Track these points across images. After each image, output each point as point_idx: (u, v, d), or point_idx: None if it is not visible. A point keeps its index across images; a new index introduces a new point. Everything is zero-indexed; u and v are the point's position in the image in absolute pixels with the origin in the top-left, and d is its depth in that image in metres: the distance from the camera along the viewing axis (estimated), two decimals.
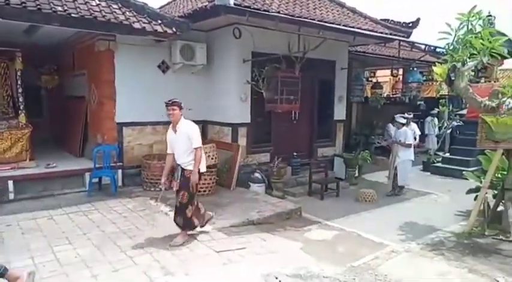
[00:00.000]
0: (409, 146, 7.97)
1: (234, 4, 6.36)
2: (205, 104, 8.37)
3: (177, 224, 4.84)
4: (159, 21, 6.85)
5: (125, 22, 6.45)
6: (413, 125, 9.50)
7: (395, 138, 8.13)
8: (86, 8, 6.26)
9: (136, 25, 6.54)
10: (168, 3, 10.13)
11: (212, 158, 7.07)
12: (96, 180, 6.95)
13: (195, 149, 4.67)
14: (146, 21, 6.75)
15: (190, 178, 4.67)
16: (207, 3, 6.80)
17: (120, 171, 7.28)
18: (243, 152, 7.85)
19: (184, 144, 4.70)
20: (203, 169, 4.90)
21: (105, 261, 4.16)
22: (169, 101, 4.69)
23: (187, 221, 4.78)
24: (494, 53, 5.21)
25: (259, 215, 5.95)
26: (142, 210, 6.03)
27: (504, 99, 5.50)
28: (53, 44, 8.69)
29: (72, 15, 5.93)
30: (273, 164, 7.82)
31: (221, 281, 3.89)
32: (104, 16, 6.28)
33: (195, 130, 4.79)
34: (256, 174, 7.67)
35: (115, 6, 6.72)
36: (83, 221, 5.49)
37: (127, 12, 6.72)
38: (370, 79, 14.90)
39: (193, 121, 8.11)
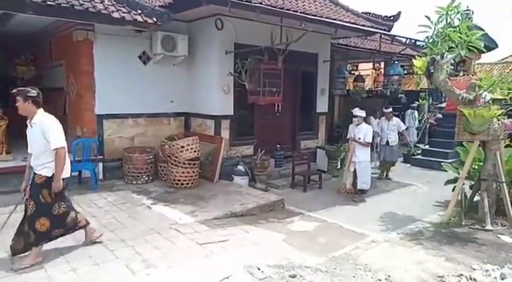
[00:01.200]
0: (367, 145, 7.14)
1: None
2: (188, 96, 8.27)
3: (26, 243, 3.86)
4: (139, 11, 6.71)
5: (103, 11, 6.28)
6: (396, 119, 9.09)
7: (354, 135, 7.25)
8: None
9: (116, 14, 6.38)
10: None
11: (195, 151, 7.01)
12: (75, 173, 6.79)
13: (55, 150, 3.69)
14: (126, 11, 6.59)
15: (41, 185, 3.77)
16: None
17: (100, 164, 7.14)
18: (226, 145, 7.82)
19: (39, 142, 3.75)
20: (65, 174, 3.92)
21: (86, 255, 4.09)
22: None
23: (38, 234, 3.83)
24: (472, 46, 5.32)
25: (242, 207, 5.96)
26: (123, 203, 5.95)
27: (481, 92, 5.62)
28: (29, 33, 8.37)
29: (48, 3, 5.72)
30: (256, 157, 7.82)
31: (204, 273, 3.87)
32: (81, 5, 6.09)
33: (52, 125, 3.73)
34: (240, 167, 7.67)
35: None
36: None
37: (106, 1, 6.54)
38: (352, 72, 15.02)
39: (175, 113, 8.25)
